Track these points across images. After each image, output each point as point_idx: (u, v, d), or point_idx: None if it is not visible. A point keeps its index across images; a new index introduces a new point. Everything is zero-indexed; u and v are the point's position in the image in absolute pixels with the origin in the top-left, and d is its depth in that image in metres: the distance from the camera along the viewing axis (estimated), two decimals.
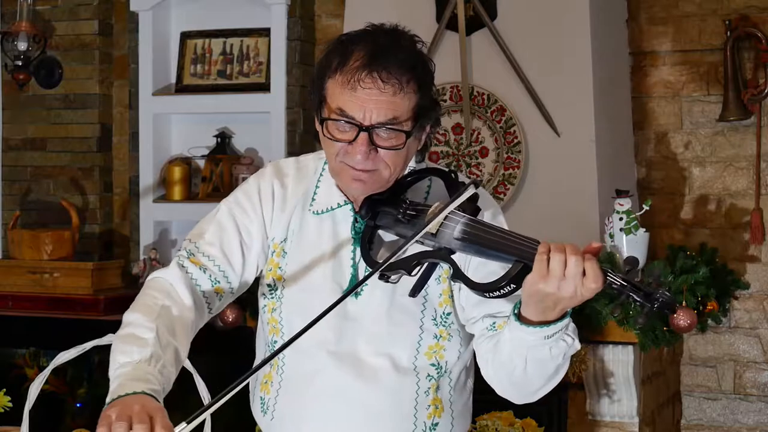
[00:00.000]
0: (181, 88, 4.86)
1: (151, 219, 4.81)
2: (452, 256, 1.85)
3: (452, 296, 1.99)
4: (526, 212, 3.87)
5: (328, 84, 1.91)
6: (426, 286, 1.94)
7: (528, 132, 3.96)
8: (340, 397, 1.96)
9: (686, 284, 3.50)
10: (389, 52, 1.88)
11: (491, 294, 1.77)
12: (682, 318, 3.44)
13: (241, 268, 2.01)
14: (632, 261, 1.73)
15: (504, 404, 3.44)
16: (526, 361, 1.83)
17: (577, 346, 1.85)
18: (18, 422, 2.22)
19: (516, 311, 1.80)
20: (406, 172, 2.01)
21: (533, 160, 3.94)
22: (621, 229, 3.63)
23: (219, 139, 4.80)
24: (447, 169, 1.99)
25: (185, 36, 4.89)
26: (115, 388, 1.71)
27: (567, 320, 1.79)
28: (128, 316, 1.89)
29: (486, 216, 1.93)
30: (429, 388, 1.99)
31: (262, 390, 2.06)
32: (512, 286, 1.75)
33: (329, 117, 1.90)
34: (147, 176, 4.84)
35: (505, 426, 3.33)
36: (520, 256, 1.75)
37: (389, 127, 1.87)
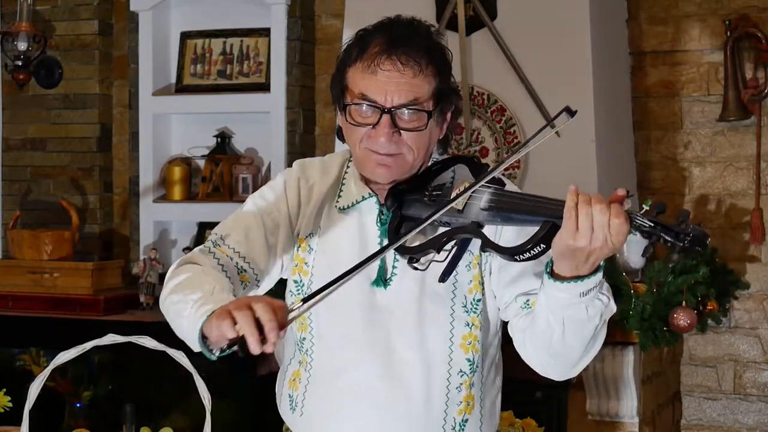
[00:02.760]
0: (181, 88, 4.86)
1: (151, 219, 4.82)
2: (482, 230, 1.84)
3: (482, 283, 2.00)
4: None
5: (349, 73, 1.96)
6: (455, 273, 1.94)
7: (528, 132, 3.95)
8: (368, 392, 1.97)
9: (686, 284, 3.50)
10: (407, 37, 1.93)
11: (521, 257, 1.76)
12: (682, 318, 3.43)
13: (266, 261, 2.01)
14: (660, 205, 1.75)
15: (504, 404, 3.42)
16: (564, 324, 1.81)
17: (613, 307, 1.83)
18: (18, 422, 2.22)
19: (548, 269, 1.78)
20: (429, 163, 2.03)
21: (533, 160, 3.94)
22: None
23: (219, 139, 4.80)
24: (470, 156, 2.03)
25: (185, 36, 4.88)
26: (209, 309, 1.71)
27: (600, 275, 1.77)
28: (176, 278, 1.89)
29: (508, 188, 1.92)
30: (461, 384, 1.99)
31: (290, 387, 2.07)
32: (542, 246, 1.73)
33: (352, 102, 1.94)
34: (147, 176, 4.84)
35: (505, 426, 3.33)
36: (547, 215, 1.74)
37: (411, 108, 1.91)
